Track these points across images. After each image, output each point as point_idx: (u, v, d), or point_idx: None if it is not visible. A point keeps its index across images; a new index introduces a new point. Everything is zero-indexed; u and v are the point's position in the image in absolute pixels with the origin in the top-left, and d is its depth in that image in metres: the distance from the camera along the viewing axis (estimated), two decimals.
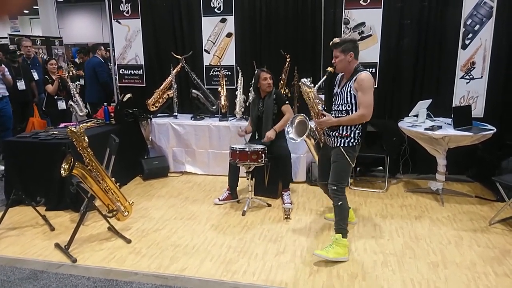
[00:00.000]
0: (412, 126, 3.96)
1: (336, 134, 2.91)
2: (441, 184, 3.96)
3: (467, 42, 4.30)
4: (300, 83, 3.13)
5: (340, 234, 2.89)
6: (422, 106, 4.11)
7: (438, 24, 4.38)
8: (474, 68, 4.33)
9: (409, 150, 4.56)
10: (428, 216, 3.65)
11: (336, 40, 2.89)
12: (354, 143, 2.88)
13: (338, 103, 2.94)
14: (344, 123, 2.87)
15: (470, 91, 4.38)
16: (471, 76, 4.36)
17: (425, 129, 3.78)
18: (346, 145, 2.88)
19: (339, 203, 2.89)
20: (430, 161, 4.15)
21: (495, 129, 3.78)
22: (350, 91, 2.84)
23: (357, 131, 2.88)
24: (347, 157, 2.87)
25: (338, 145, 2.90)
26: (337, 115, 2.92)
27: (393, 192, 4.27)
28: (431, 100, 4.19)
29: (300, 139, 3.14)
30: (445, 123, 4.04)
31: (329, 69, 2.93)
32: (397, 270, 2.75)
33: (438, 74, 4.49)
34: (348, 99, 2.85)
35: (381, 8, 4.44)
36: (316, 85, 3.11)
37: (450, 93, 4.44)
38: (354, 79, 2.82)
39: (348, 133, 2.88)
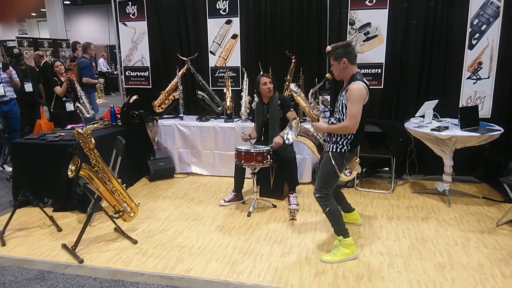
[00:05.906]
0: (419, 126, 3.94)
1: (329, 139, 2.92)
2: (448, 185, 3.93)
3: (473, 42, 4.26)
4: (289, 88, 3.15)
5: (341, 236, 2.90)
6: (428, 107, 4.08)
7: (444, 24, 4.35)
8: (481, 68, 4.29)
9: (415, 151, 4.53)
10: (434, 217, 3.62)
11: (328, 48, 2.86)
12: (343, 150, 2.83)
13: (335, 109, 2.94)
14: (332, 131, 2.87)
15: (477, 91, 4.35)
16: (478, 76, 4.32)
17: (432, 129, 3.76)
18: (334, 150, 2.86)
19: (327, 209, 2.89)
20: (436, 162, 4.13)
21: (503, 130, 3.74)
22: (342, 100, 2.80)
23: (345, 140, 2.83)
24: (333, 162, 2.83)
25: (328, 150, 2.91)
26: (333, 122, 2.92)
27: (399, 193, 4.25)
28: (437, 100, 4.17)
29: (292, 140, 3.20)
30: (452, 123, 4.01)
31: (328, 75, 2.94)
32: (403, 272, 2.73)
33: (445, 74, 4.46)
34: (340, 107, 2.82)
35: (386, 8, 4.42)
36: (311, 90, 3.15)
37: (456, 94, 4.41)
38: (347, 88, 2.76)
39: (338, 139, 2.85)
